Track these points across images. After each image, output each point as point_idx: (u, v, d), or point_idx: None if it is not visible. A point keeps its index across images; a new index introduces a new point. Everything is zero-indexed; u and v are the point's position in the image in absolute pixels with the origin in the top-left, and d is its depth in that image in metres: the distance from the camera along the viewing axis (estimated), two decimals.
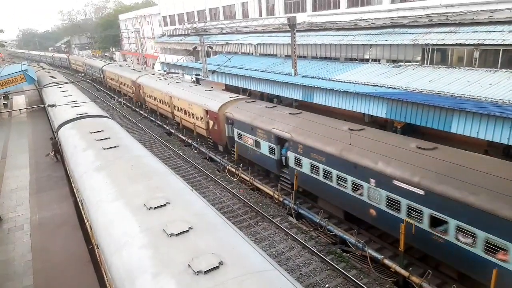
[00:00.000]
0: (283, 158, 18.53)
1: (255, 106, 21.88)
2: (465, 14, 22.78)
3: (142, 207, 9.56)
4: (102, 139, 15.91)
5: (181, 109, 29.18)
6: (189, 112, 27.68)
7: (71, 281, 11.83)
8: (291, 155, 17.48)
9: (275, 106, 21.47)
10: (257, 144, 19.98)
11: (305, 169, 16.63)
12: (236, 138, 22.19)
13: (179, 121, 30.42)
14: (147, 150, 15.81)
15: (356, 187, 14.02)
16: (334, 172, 14.93)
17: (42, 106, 27.69)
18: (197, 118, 26.50)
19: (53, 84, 34.48)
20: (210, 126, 24.85)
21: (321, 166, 15.58)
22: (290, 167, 17.82)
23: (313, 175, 16.22)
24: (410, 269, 12.20)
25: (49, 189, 19.25)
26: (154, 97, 35.43)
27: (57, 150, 23.17)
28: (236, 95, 25.52)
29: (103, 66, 57.93)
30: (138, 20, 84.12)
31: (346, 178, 14.40)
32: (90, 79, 62.70)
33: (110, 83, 54.57)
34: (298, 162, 17.04)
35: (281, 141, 18.33)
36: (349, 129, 15.58)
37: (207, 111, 24.74)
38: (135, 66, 64.01)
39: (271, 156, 19.16)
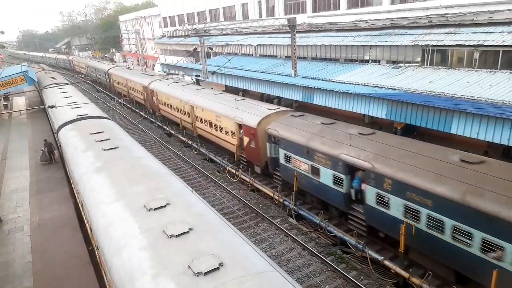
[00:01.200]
0: (352, 191, 14.68)
1: (307, 122, 17.81)
2: (464, 15, 22.81)
3: (142, 208, 9.56)
4: (102, 140, 15.92)
5: (205, 120, 25.39)
6: (215, 125, 24.00)
7: (71, 282, 11.82)
8: (370, 191, 13.40)
9: (334, 123, 17.20)
10: (315, 171, 15.95)
11: (395, 211, 12.49)
12: (282, 161, 18.18)
13: (201, 134, 26.87)
14: (147, 151, 15.82)
15: (488, 248, 10.17)
16: (448, 223, 11.01)
17: (42, 107, 27.68)
18: (226, 132, 22.84)
19: (53, 85, 34.52)
20: (245, 144, 20.98)
21: (424, 211, 11.54)
22: (367, 205, 13.68)
23: (408, 220, 12.06)
24: (410, 270, 12.18)
25: (49, 191, 19.24)
26: (170, 105, 31.64)
27: (51, 152, 23.27)
28: (276, 106, 21.74)
29: (109, 69, 53.32)
30: (138, 21, 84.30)
31: (470, 233, 10.50)
32: (90, 80, 62.09)
33: (117, 87, 50.18)
34: (382, 201, 12.94)
35: (351, 170, 14.49)
36: (462, 160, 11.74)
37: (241, 126, 21.04)
38: (148, 69, 61.66)
39: (336, 188, 15.02)
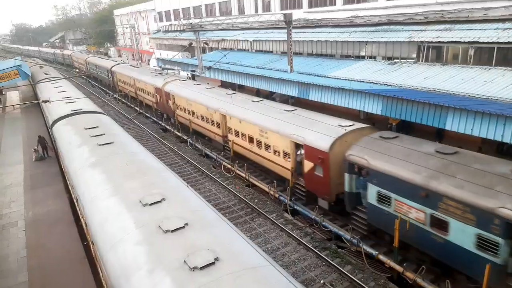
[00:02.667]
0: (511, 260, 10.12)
1: (412, 149, 12.91)
2: (460, 12, 22.89)
3: (137, 204, 9.55)
4: (97, 135, 15.84)
5: (243, 135, 20.75)
6: (258, 141, 19.36)
7: (66, 277, 11.80)
8: None
9: (456, 152, 12.16)
10: (439, 223, 11.29)
11: None
12: (371, 200, 13.45)
13: (237, 151, 21.99)
14: (142, 146, 15.78)
15: None
16: None
17: (36, 102, 27.45)
18: (275, 152, 18.21)
19: (48, 80, 34.23)
20: (306, 170, 16.29)
21: None
22: None
23: None
24: (404, 264, 12.30)
25: (44, 186, 19.14)
26: (192, 112, 26.96)
27: (44, 147, 23.14)
28: (349, 122, 16.27)
29: (112, 67, 47.61)
30: (133, 15, 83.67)
31: None
32: (85, 75, 61.25)
33: (123, 87, 44.79)
34: None
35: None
36: None
37: (300, 146, 16.58)
38: (143, 64, 58.90)
39: (482, 254, 10.27)
